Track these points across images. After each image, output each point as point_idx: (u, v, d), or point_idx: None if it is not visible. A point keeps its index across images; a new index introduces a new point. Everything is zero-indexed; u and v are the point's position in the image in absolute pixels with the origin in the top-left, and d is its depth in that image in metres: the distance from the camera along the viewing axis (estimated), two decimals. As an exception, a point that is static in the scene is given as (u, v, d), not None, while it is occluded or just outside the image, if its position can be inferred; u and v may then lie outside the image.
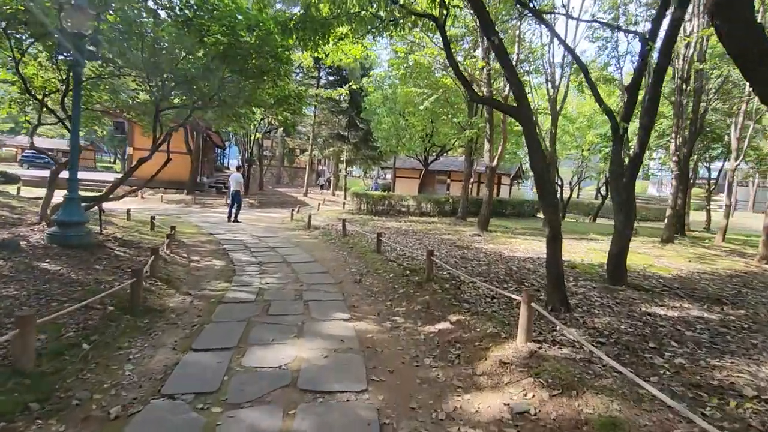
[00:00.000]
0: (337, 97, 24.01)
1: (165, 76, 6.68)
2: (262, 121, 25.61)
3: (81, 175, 20.94)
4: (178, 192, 20.19)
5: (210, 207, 16.86)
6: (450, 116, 14.45)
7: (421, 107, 11.97)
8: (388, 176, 53.07)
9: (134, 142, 20.80)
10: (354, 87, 11.50)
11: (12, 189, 13.58)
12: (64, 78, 7.33)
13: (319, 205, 17.34)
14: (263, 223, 12.70)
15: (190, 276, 6.03)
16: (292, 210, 13.54)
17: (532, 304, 3.39)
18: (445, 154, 25.73)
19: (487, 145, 10.83)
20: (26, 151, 39.49)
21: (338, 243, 9.38)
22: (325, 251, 8.50)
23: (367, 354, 3.59)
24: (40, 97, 8.07)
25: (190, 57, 6.93)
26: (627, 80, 8.57)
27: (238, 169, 13.72)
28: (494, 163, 10.65)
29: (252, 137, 24.18)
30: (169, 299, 4.85)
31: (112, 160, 56.34)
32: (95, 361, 3.14)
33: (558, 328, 3.67)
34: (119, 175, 22.72)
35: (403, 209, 16.93)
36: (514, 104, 4.31)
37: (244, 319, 4.30)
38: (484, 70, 10.27)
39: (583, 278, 5.77)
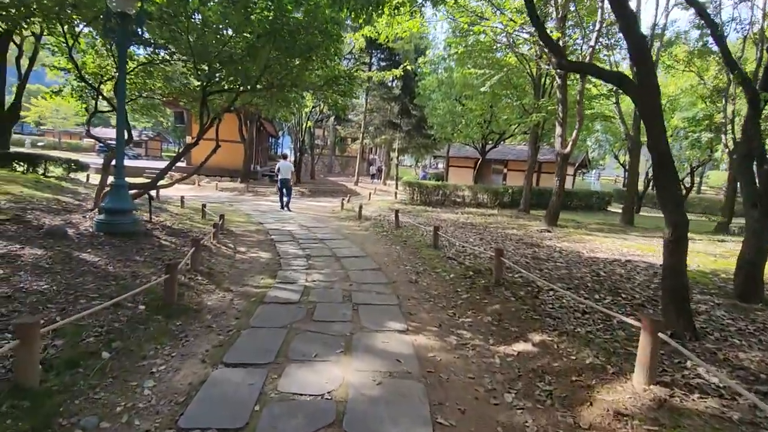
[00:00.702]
0: (390, 83, 23.24)
1: (212, 58, 6.28)
2: (313, 110, 25.53)
3: (147, 163, 22.01)
4: (233, 180, 20.56)
5: (262, 195, 16.89)
6: (513, 99, 13.19)
7: (482, 89, 10.92)
8: (440, 165, 51.77)
9: (192, 131, 21.38)
10: (409, 68, 10.64)
11: (82, 176, 14.30)
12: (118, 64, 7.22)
13: (370, 194, 16.82)
14: (313, 213, 12.34)
15: (233, 269, 5.63)
16: (343, 199, 13.10)
17: (660, 333, 2.48)
18: (502, 142, 24.22)
19: (558, 130, 9.59)
20: (101, 141, 42.83)
21: (390, 236, 8.71)
22: (376, 245, 7.87)
23: (430, 381, 2.87)
24: (95, 84, 8.10)
25: (237, 38, 6.49)
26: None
27: (284, 157, 13.58)
28: (567, 149, 9.42)
29: (303, 126, 24.10)
30: (208, 296, 4.41)
31: (177, 150, 59.84)
32: (113, 374, 2.69)
33: (690, 365, 2.72)
34: (180, 164, 23.63)
35: (458, 200, 15.96)
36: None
37: (285, 324, 3.74)
38: (559, 41, 9.01)
39: (698, 291, 4.64)
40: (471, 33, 11.64)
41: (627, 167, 22.51)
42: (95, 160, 26.91)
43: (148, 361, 2.94)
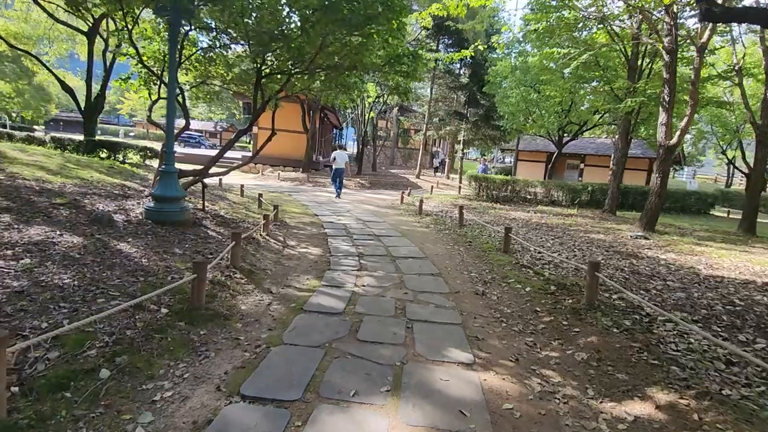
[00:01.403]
0: (457, 71, 22.00)
1: (266, 39, 5.79)
2: (376, 100, 25.00)
3: (230, 154, 22.00)
4: (295, 170, 20.70)
5: (322, 186, 16.69)
6: (601, 83, 11.50)
7: (565, 71, 9.52)
8: (508, 159, 49.12)
9: (259, 121, 21.81)
10: (480, 47, 9.54)
11: (155, 163, 14.99)
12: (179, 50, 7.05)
13: (432, 188, 15.93)
14: (371, 206, 11.76)
15: (278, 267, 5.13)
16: (403, 193, 12.39)
17: None
18: (580, 135, 21.97)
19: (662, 117, 7.97)
20: (184, 132, 46.09)
21: (453, 235, 7.82)
22: (437, 244, 7.04)
23: (509, 455, 2.03)
24: (157, 71, 8.08)
25: (292, 14, 5.96)
26: None
27: (341, 147, 13.45)
28: (674, 140, 7.79)
29: (366, 116, 23.69)
30: (244, 299, 3.90)
31: (247, 141, 63.03)
32: (106, 401, 2.19)
33: None
34: (249, 154, 24.39)
35: (529, 197, 14.52)
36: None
37: (323, 343, 3.09)
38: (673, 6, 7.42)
39: None
40: (553, 8, 10.23)
41: (735, 163, 19.30)
42: (180, 149, 28.96)
43: (155, 383, 2.42)
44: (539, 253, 6.00)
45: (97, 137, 16.49)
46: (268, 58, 6.49)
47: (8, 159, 7.40)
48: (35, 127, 40.71)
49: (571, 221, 9.73)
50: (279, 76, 6.99)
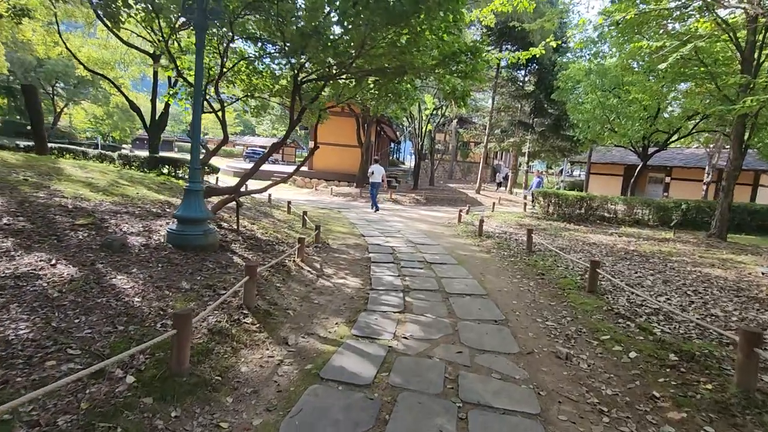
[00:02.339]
0: (522, 78, 20.47)
1: (296, 36, 5.09)
2: (434, 112, 24.03)
3: (278, 168, 23.11)
4: (350, 185, 20.24)
5: (375, 202, 15.96)
6: (704, 81, 9.56)
7: (661, 66, 7.90)
8: (576, 172, 45.56)
9: (317, 136, 21.77)
10: (552, 44, 8.26)
11: (213, 178, 15.18)
12: (220, 61, 6.65)
13: (493, 204, 14.54)
14: (425, 225, 10.71)
15: (304, 304, 4.26)
16: (461, 210, 11.21)
17: None
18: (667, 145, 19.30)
19: (801, 117, 6.15)
20: (249, 148, 48.41)
21: (520, 264, 6.55)
22: (500, 276, 5.83)
23: None
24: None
25: (331, 12, 5.22)
26: None
27: (376, 161, 13.35)
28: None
29: (424, 129, 22.79)
30: (248, 355, 3.05)
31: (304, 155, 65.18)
32: None
33: None
34: (306, 169, 24.46)
35: (608, 215, 12.61)
36: None
37: (333, 446, 2.11)
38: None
39: None
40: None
41: None
42: (239, 164, 29.81)
43: None
44: (641, 299, 4.58)
45: (166, 154, 17.26)
46: (306, 64, 5.82)
47: (61, 176, 7.39)
48: (123, 146, 44.87)
49: (670, 248, 7.95)
50: (317, 82, 6.28)
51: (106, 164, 12.39)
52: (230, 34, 6.16)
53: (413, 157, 28.77)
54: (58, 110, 39.95)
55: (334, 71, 5.82)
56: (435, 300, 4.65)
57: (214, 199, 7.11)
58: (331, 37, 4.92)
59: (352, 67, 5.64)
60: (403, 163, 49.86)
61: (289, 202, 10.38)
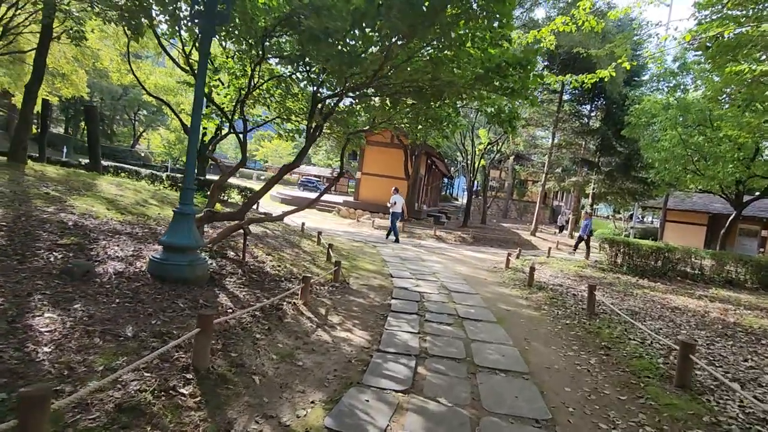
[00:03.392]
0: (586, 112, 18.92)
1: (313, 47, 4.43)
2: (489, 147, 22.89)
3: (332, 198, 22.78)
4: (394, 218, 19.39)
5: (417, 237, 14.91)
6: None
7: (769, 93, 6.37)
8: (648, 218, 41.49)
9: (363, 166, 21.49)
10: (626, 65, 6.92)
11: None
12: (248, 80, 6.24)
13: (549, 249, 12.90)
14: (466, 268, 9.47)
15: (281, 368, 3.30)
16: (509, 254, 9.85)
17: None
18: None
19: None
20: (303, 177, 49.80)
21: (578, 329, 5.17)
22: (550, 345, 4.53)
23: None
24: (227, 104, 7.47)
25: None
26: None
27: (396, 191, 13.35)
28: None
29: (476, 164, 21.67)
30: (162, 451, 2.14)
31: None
32: None
33: None
34: (351, 198, 24.08)
35: (692, 271, 10.57)
36: None
37: None
38: None
39: None
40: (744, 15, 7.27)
41: None
42: (290, 192, 30.26)
43: None
44: (761, 406, 3.11)
45: (213, 177, 17.65)
46: (326, 81, 5.15)
47: (89, 192, 7.22)
48: (192, 170, 47.96)
49: (785, 323, 6.09)
50: (335, 98, 5.58)
51: (147, 183, 12.58)
52: (260, 52, 5.72)
53: (465, 193, 27.56)
54: (137, 135, 43.86)
55: (350, 82, 5.07)
56: (457, 375, 3.51)
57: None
58: (350, 42, 4.21)
59: (378, 83, 4.87)
60: (457, 199, 48.56)
61: (319, 233, 9.69)
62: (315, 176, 48.47)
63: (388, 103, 6.63)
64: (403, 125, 7.49)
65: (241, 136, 6.48)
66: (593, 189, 18.88)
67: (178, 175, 14.55)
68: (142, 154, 48.46)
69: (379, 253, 10.03)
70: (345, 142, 7.17)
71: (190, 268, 4.20)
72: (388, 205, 12.82)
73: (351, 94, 5.52)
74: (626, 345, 4.54)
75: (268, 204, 22.56)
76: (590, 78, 6.82)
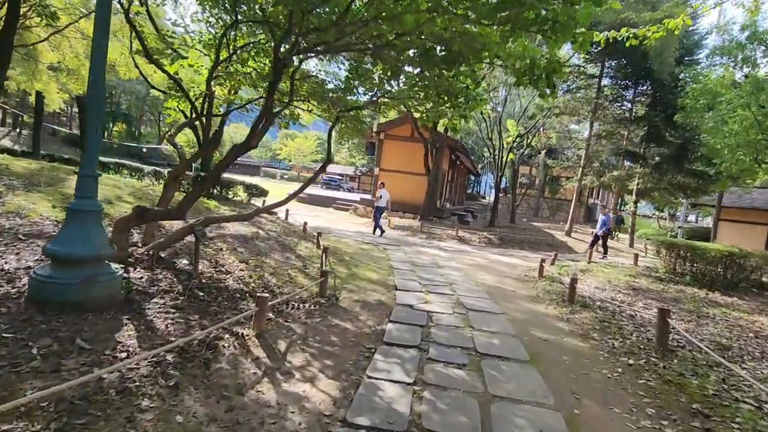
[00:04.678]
0: (628, 98, 16.83)
1: None
2: (518, 140, 21.03)
3: (345, 195, 21.91)
4: (414, 217, 17.95)
5: (436, 238, 13.41)
6: None
7: None
8: (691, 218, 38.11)
9: (382, 162, 20.11)
10: (687, 21, 5.10)
11: (259, 201, 13.96)
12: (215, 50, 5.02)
13: (590, 254, 11.11)
14: (491, 277, 7.94)
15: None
16: (543, 261, 8.21)
17: None
18: None
19: None
20: (326, 175, 48.89)
21: (650, 377, 3.60)
22: (612, 409, 3.00)
23: None
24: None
25: None
26: None
27: (382, 185, 13.38)
28: None
29: (504, 159, 19.88)
30: None
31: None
32: None
33: None
34: (368, 196, 22.73)
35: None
36: None
37: None
38: None
39: None
40: None
41: None
42: (314, 191, 29.11)
43: None
44: None
45: (234, 177, 16.74)
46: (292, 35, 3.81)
47: (47, 189, 6.21)
48: (216, 169, 47.96)
49: None
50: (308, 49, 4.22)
51: (139, 180, 11.65)
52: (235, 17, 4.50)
53: (493, 191, 25.70)
54: (163, 134, 44.18)
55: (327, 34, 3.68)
56: (464, 480, 2.08)
57: (178, 224, 5.29)
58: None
59: (360, 29, 3.48)
60: (484, 198, 46.46)
61: (318, 234, 8.38)
62: (338, 175, 47.45)
63: (389, 74, 5.26)
64: (410, 103, 6.06)
65: (218, 120, 5.27)
66: (637, 184, 16.75)
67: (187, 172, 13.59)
68: (166, 153, 48.91)
69: (387, 258, 8.63)
70: (334, 122, 5.81)
71: (83, 288, 2.95)
72: (374, 199, 12.80)
73: (322, 51, 4.15)
74: (733, 410, 2.97)
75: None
76: (654, 32, 5.12)
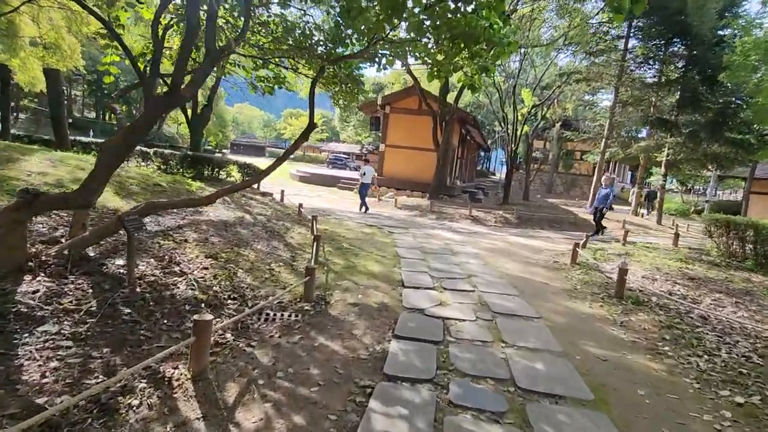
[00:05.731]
0: (661, 57, 15.14)
1: None
2: (532, 111, 19.45)
3: (349, 174, 20.41)
4: (423, 195, 16.72)
5: (448, 218, 12.18)
6: None
7: None
8: (715, 191, 36.39)
9: (387, 138, 18.74)
10: None
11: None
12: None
13: (626, 233, 9.74)
14: (515, 265, 6.74)
15: None
16: (576, 245, 6.95)
17: None
18: None
19: None
20: (332, 154, 47.44)
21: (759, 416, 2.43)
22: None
23: None
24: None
25: None
26: None
27: (367, 161, 13.34)
28: None
29: (518, 132, 18.39)
30: None
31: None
32: None
33: None
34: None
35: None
36: None
37: None
38: None
39: None
40: None
41: None
42: (312, 169, 27.83)
43: None
44: None
45: (234, 157, 15.52)
46: None
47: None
48: (223, 150, 46.67)
49: None
50: None
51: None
52: None
53: (504, 167, 24.26)
54: (164, 116, 43.03)
55: None
56: None
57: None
58: None
59: None
60: (494, 174, 44.82)
61: (313, 218, 7.21)
62: (344, 153, 45.97)
63: (389, 12, 3.99)
64: (415, 51, 4.76)
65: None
66: (667, 155, 15.22)
67: (167, 152, 12.43)
68: (168, 135, 47.73)
69: (393, 243, 7.46)
70: (317, 74, 4.55)
71: None
72: (359, 176, 12.60)
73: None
74: None
75: (285, 183, 20.49)
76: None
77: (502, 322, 3.91)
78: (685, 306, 4.59)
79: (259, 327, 3.30)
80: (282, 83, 6.80)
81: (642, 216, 17.89)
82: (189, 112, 13.13)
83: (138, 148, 13.06)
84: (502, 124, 20.02)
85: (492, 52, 4.45)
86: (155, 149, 12.66)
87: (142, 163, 12.16)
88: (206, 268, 4.11)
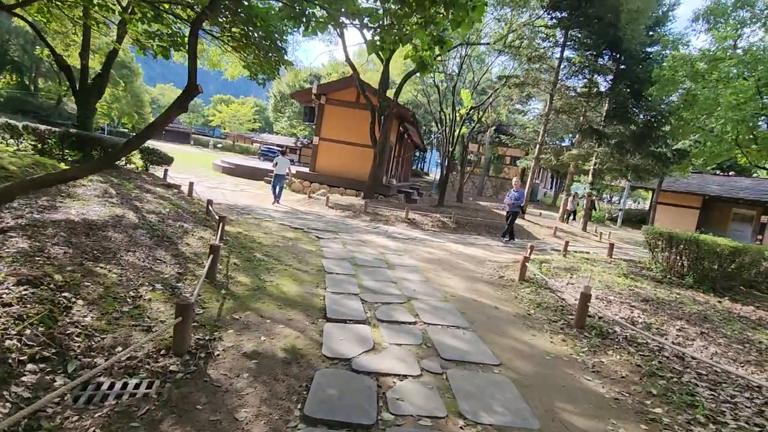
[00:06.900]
0: (595, 68, 15.49)
1: None
2: (470, 113, 19.22)
3: (291, 169, 17.35)
4: (357, 194, 15.60)
5: (384, 221, 11.17)
6: None
7: None
8: (615, 199, 39.72)
9: (322, 130, 17.31)
10: None
11: (160, 170, 10.76)
12: None
13: (566, 244, 9.35)
14: (460, 281, 5.85)
15: None
16: (525, 259, 6.25)
17: None
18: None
19: None
20: (264, 146, 44.45)
21: None
22: None
23: None
24: None
25: None
26: None
27: (283, 153, 13.59)
28: None
29: (456, 133, 17.98)
30: None
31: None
32: None
33: None
34: (305, 169, 19.85)
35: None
36: None
37: None
38: None
39: None
40: None
41: None
42: (238, 161, 25.34)
43: None
44: None
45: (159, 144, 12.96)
46: None
47: None
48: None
49: None
50: None
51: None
52: None
53: (438, 168, 24.02)
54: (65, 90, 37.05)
55: None
56: None
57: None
58: None
59: None
60: (427, 174, 45.04)
61: (221, 218, 5.72)
62: (277, 145, 43.26)
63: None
64: (352, 9, 3.58)
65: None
66: (595, 164, 15.67)
67: (43, 128, 9.86)
68: (72, 113, 41.31)
69: (319, 253, 6.22)
70: (197, 16, 3.18)
71: None
72: (272, 167, 12.29)
73: None
74: None
75: (205, 174, 18.15)
76: None
77: (455, 378, 2.90)
78: (655, 342, 3.94)
79: (66, 418, 1.93)
80: (180, 46, 5.24)
81: (569, 222, 18.40)
82: (77, 81, 10.66)
83: (3, 120, 10.31)
84: (439, 125, 19.59)
85: (453, 14, 3.43)
86: (25, 123, 10.03)
87: (11, 141, 9.64)
88: (8, 305, 2.58)
